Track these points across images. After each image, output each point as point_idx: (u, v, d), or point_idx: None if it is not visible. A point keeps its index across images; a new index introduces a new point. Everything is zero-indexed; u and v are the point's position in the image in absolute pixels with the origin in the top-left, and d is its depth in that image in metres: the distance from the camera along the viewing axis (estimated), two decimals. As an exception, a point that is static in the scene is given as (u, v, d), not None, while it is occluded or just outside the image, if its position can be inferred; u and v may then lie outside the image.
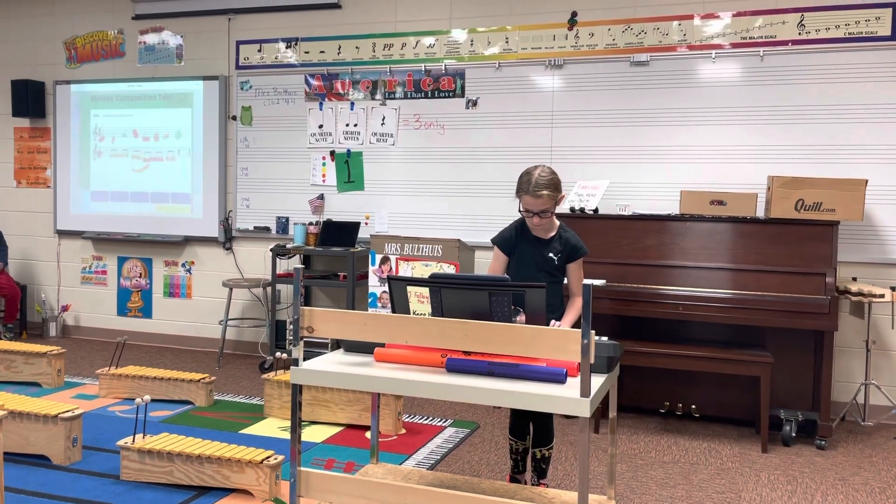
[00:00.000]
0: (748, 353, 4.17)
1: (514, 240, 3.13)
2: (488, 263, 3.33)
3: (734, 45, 4.93)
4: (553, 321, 2.90)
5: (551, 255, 3.07)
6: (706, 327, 4.53)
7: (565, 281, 3.16)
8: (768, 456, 4.01)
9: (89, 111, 6.68)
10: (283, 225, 6.09)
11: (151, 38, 6.51)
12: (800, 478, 3.69)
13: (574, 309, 3.05)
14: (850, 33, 4.69)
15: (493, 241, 3.19)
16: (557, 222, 3.14)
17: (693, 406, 4.48)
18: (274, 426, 4.27)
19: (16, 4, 6.92)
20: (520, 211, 3.06)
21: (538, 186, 2.95)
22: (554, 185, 2.98)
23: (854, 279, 4.65)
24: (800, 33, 4.80)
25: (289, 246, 5.71)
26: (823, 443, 4.15)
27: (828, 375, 4.16)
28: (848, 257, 4.68)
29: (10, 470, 3.46)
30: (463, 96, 5.57)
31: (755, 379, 4.25)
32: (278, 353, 4.57)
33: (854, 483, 3.64)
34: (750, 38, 4.90)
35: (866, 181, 4.32)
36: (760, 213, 4.61)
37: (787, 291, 4.18)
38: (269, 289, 5.95)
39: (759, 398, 4.14)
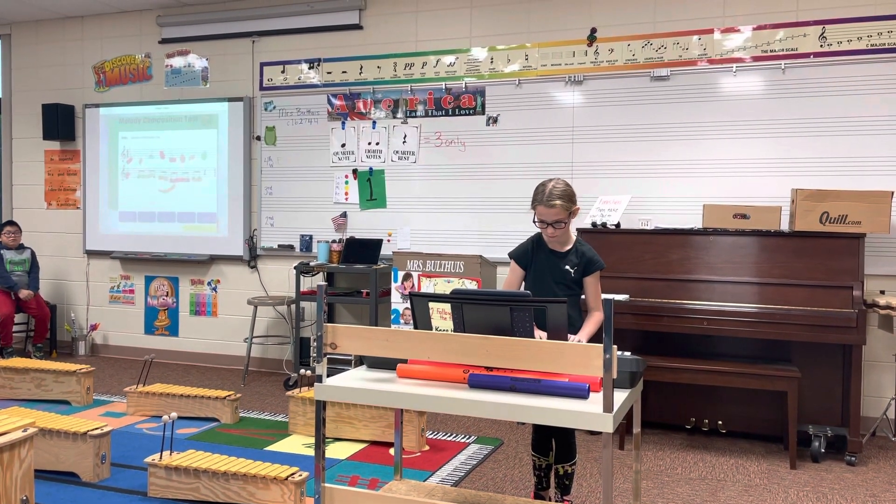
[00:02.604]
0: (775, 368, 4.13)
1: (530, 253, 3.15)
2: (509, 279, 3.34)
3: (755, 59, 4.92)
4: (571, 336, 2.89)
5: (567, 267, 3.08)
6: (732, 342, 4.49)
7: (583, 296, 3.16)
8: (797, 472, 3.95)
9: (117, 133, 6.82)
10: (306, 243, 6.15)
11: (177, 62, 6.64)
12: (829, 494, 3.63)
13: (592, 323, 3.05)
14: (872, 45, 4.66)
15: (510, 255, 3.21)
16: (574, 236, 3.15)
17: (719, 422, 4.43)
18: (298, 443, 4.30)
19: (46, 31, 7.11)
20: (534, 222, 3.08)
21: (552, 196, 2.97)
22: (567, 195, 3.00)
23: (882, 292, 4.58)
24: (821, 46, 4.78)
25: (312, 263, 5.76)
26: (853, 459, 4.08)
27: (857, 390, 4.10)
28: (875, 270, 4.62)
29: (41, 486, 3.51)
30: (483, 113, 5.61)
31: (782, 394, 4.20)
32: (302, 370, 4.60)
33: (885, 500, 3.57)
34: (771, 51, 4.89)
35: (892, 193, 4.27)
36: (784, 227, 4.57)
37: (813, 305, 4.14)
38: (293, 306, 6.00)
39: (787, 413, 4.09)
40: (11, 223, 6.66)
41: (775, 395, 4.34)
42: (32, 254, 6.70)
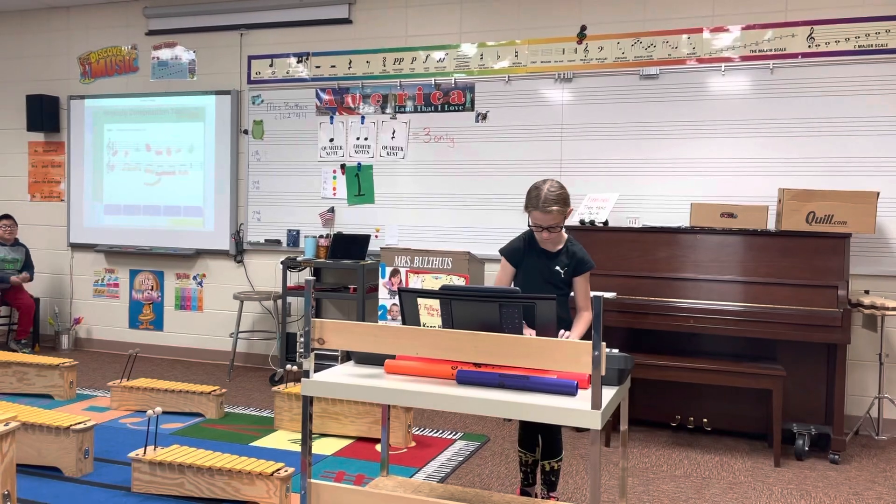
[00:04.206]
0: (760, 367, 4.15)
1: (521, 251, 3.14)
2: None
3: (744, 58, 4.94)
4: (562, 331, 2.89)
5: (558, 268, 3.07)
6: (718, 340, 4.51)
7: (572, 294, 3.15)
8: (781, 470, 3.98)
9: (103, 125, 6.75)
10: (293, 238, 6.12)
11: (164, 54, 6.59)
12: (813, 492, 3.66)
13: (582, 323, 3.05)
14: (859, 46, 4.69)
15: (501, 251, 3.20)
16: (566, 235, 3.15)
17: (705, 419, 4.45)
18: (284, 438, 4.28)
19: (31, 20, 7.02)
20: (529, 226, 3.06)
21: (547, 202, 2.95)
22: (563, 199, 2.99)
23: (866, 292, 4.62)
24: (809, 46, 4.80)
25: (299, 259, 5.73)
26: (837, 457, 4.11)
27: (841, 389, 4.13)
28: (860, 270, 4.66)
29: (23, 481, 3.47)
30: (473, 110, 5.60)
31: (767, 392, 4.23)
32: (288, 366, 4.58)
33: (868, 498, 3.60)
34: (759, 51, 4.91)
35: (877, 193, 4.31)
36: (771, 226, 4.60)
37: (799, 304, 4.16)
38: (279, 301, 5.97)
39: (772, 412, 4.11)
40: (7, 216, 6.56)
41: (760, 393, 4.37)
42: (27, 253, 6.60)
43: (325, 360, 5.25)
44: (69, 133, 6.86)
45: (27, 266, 6.56)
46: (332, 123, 6.02)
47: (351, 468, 3.80)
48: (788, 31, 4.85)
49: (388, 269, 5.26)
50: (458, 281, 5.02)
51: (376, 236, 5.84)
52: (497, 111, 5.53)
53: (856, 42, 4.70)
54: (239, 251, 6.35)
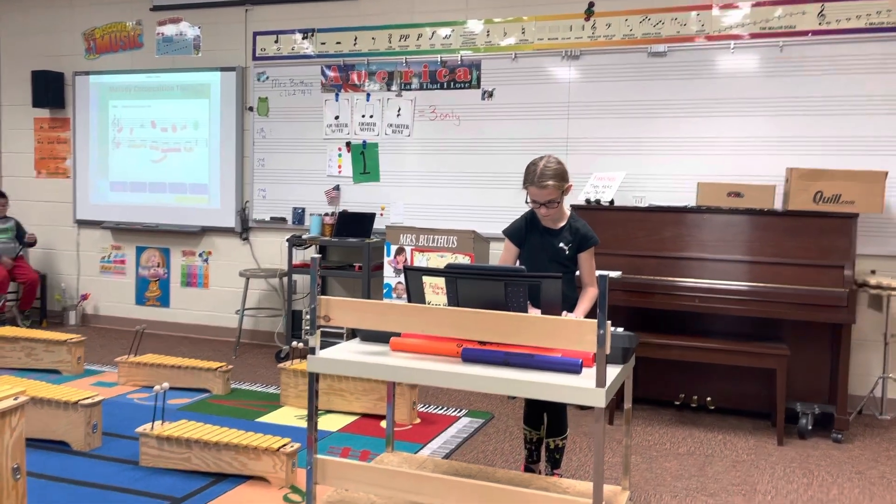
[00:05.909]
0: (764, 346, 4.15)
1: (524, 231, 3.13)
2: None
3: (753, 36, 4.89)
4: (564, 312, 2.89)
5: (562, 244, 3.07)
6: (723, 320, 4.51)
7: (578, 272, 3.15)
8: (784, 449, 4.00)
9: (108, 102, 6.74)
10: (299, 216, 6.12)
11: (169, 30, 6.55)
12: (816, 471, 3.67)
13: (587, 299, 3.04)
14: (870, 23, 4.63)
15: (504, 232, 3.19)
16: (568, 212, 3.13)
17: (709, 398, 4.47)
18: (290, 415, 4.31)
19: (36, -4, 6.98)
20: (527, 202, 3.06)
21: (543, 177, 2.94)
22: (559, 175, 2.97)
23: (873, 272, 4.61)
24: (820, 23, 4.75)
25: (305, 237, 5.74)
26: (840, 436, 4.12)
27: (845, 369, 4.13)
28: (867, 250, 4.63)
29: (32, 455, 3.51)
30: (479, 87, 5.56)
31: (771, 371, 4.23)
32: (294, 343, 4.60)
33: (871, 476, 3.62)
34: (769, 28, 4.85)
35: (886, 173, 4.28)
36: (778, 206, 4.57)
37: (804, 284, 4.15)
38: (285, 279, 5.99)
39: (776, 391, 4.12)
40: (1, 195, 6.58)
41: (764, 372, 4.37)
42: (17, 224, 6.61)
43: (331, 338, 5.27)
44: (74, 109, 6.84)
45: (20, 235, 6.56)
46: (337, 101, 6.00)
47: (356, 444, 3.83)
48: (798, 8, 4.79)
49: (394, 248, 5.26)
50: (464, 259, 5.02)
51: (381, 214, 5.84)
52: (503, 89, 5.49)
53: (867, 19, 4.64)
54: (244, 229, 6.36)
